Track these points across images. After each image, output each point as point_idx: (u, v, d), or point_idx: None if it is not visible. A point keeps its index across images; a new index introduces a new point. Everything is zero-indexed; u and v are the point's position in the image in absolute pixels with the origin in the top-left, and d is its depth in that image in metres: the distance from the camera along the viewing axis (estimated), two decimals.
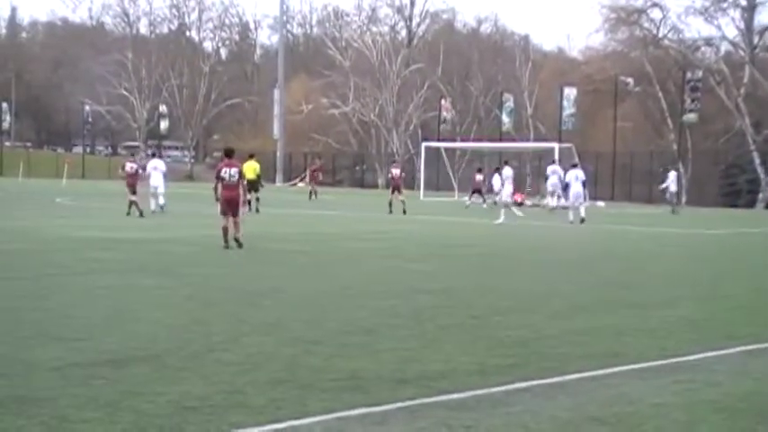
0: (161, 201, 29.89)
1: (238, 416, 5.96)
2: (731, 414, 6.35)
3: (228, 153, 18.82)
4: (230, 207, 17.80)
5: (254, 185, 31.55)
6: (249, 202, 31.00)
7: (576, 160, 35.50)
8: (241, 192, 18.13)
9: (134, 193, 27.81)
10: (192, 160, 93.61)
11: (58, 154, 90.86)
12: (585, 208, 29.67)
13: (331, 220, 29.05)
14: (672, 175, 39.89)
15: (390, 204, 32.90)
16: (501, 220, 29.13)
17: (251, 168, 32.83)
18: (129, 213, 27.20)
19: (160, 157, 33.43)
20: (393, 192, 33.72)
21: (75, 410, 5.98)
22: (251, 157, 33.64)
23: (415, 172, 63.31)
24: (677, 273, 15.78)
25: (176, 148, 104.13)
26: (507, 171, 34.86)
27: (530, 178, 44.64)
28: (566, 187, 30.45)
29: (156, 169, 30.42)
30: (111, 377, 6.89)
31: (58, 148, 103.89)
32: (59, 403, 6.13)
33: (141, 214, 26.85)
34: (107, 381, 6.78)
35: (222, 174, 18.02)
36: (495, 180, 38.59)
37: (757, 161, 54.66)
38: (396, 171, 34.85)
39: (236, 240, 17.73)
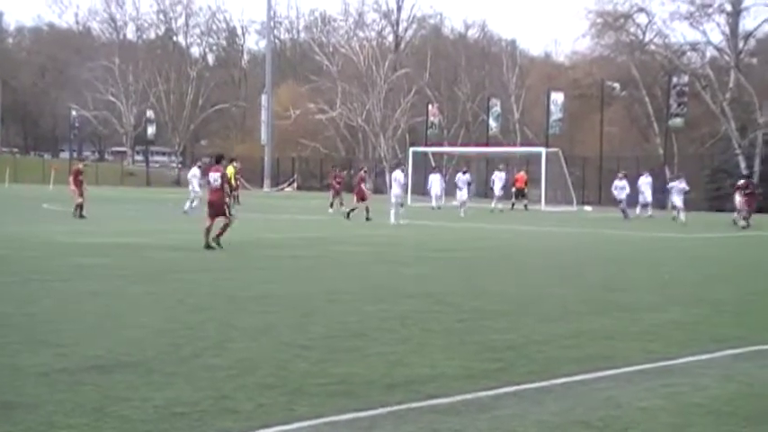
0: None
1: (227, 421, 5.94)
2: (718, 417, 6.36)
3: (217, 159, 20.09)
4: (211, 209, 18.74)
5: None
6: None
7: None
8: (224, 196, 18.82)
9: None
10: (180, 165, 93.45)
11: (45, 159, 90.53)
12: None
13: (319, 225, 29.02)
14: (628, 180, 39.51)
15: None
16: (392, 220, 29.46)
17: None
18: None
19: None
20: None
21: (62, 416, 5.96)
22: (230, 161, 33.86)
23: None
24: (665, 276, 15.81)
25: (163, 154, 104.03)
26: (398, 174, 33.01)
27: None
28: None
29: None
30: (97, 383, 6.86)
31: (45, 153, 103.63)
32: (45, 409, 6.11)
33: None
34: (94, 386, 6.75)
35: (209, 178, 19.37)
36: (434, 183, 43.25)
37: (743, 165, 54.87)
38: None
39: (215, 240, 18.40)
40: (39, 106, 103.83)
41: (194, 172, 34.94)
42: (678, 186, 35.57)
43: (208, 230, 18.50)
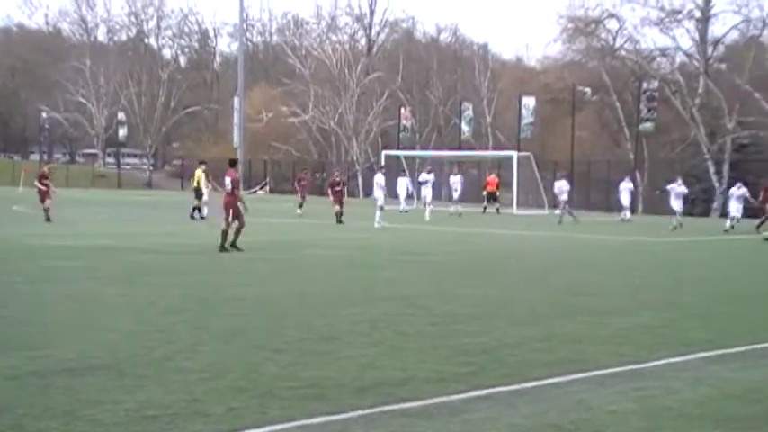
0: None
1: (198, 424, 5.93)
2: (688, 420, 6.42)
3: (230, 163, 20.83)
4: (225, 213, 19.64)
5: (195, 193, 31.63)
6: (198, 209, 30.87)
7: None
8: (234, 199, 19.60)
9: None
10: (151, 168, 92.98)
11: (15, 161, 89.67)
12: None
13: (292, 228, 28.96)
14: (565, 184, 38.86)
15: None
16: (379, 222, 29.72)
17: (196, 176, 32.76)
18: None
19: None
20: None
21: (32, 420, 5.92)
22: (200, 164, 33.51)
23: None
24: (636, 281, 15.89)
25: (135, 156, 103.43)
26: (379, 177, 33.55)
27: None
28: None
29: None
30: (68, 386, 6.82)
31: (15, 155, 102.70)
32: (15, 412, 6.07)
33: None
34: (65, 390, 6.71)
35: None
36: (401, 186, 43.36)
37: (711, 170, 55.32)
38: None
39: (232, 245, 19.21)
40: (8, 107, 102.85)
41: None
42: (677, 189, 35.04)
43: (237, 232, 19.34)
